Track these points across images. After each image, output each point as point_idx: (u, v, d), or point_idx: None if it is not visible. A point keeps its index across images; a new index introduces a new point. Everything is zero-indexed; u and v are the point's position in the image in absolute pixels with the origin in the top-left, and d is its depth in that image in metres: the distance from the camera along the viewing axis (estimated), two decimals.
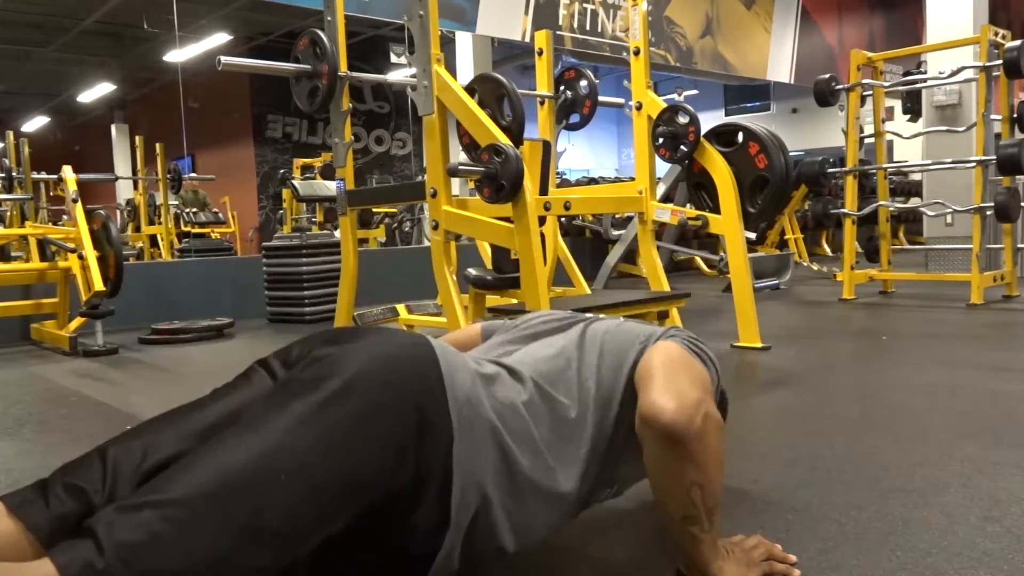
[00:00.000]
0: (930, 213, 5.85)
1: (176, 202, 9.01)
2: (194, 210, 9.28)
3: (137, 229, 9.10)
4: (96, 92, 12.98)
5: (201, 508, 0.89)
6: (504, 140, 2.68)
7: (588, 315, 1.48)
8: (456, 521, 1.07)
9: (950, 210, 5.41)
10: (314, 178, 8.58)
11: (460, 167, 2.66)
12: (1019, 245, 5.45)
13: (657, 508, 1.21)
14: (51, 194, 8.94)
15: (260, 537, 0.91)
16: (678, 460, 1.11)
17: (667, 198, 6.03)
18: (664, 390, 1.12)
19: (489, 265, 3.60)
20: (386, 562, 1.07)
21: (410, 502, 1.05)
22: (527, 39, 7.52)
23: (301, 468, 0.95)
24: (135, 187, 9.47)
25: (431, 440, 1.05)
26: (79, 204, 4.46)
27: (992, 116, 5.16)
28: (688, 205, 4.27)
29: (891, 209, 5.94)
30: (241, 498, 0.91)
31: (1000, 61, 4.93)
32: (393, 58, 10.81)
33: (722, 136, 3.69)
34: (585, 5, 8.21)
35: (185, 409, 1.11)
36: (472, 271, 3.31)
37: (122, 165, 12.43)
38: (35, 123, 14.35)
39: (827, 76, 5.54)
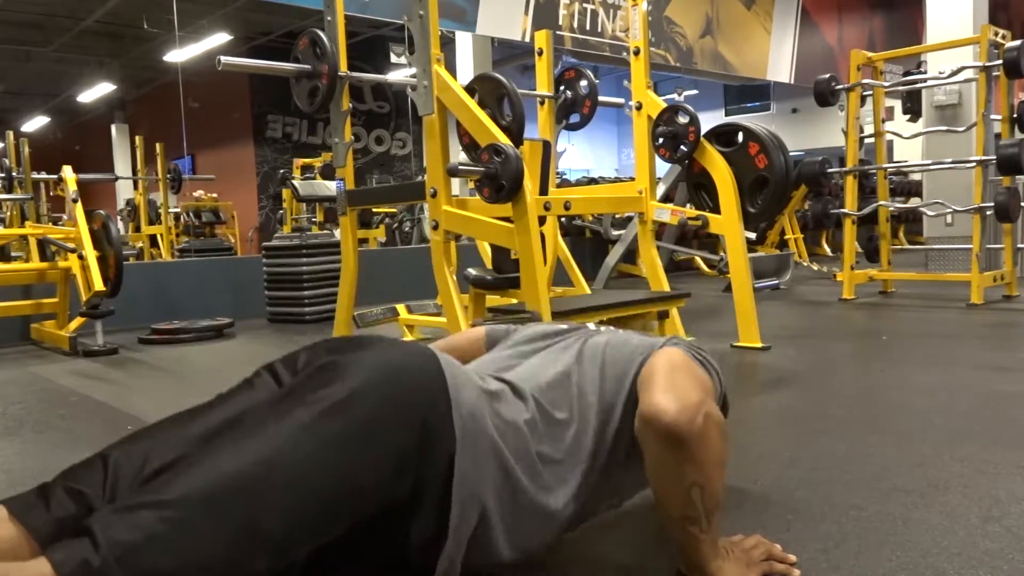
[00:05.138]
0: (930, 213, 5.85)
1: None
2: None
3: (137, 229, 9.10)
4: (96, 92, 13.00)
5: (198, 510, 0.89)
6: (504, 140, 2.67)
7: (589, 327, 1.47)
8: (456, 535, 1.07)
9: (950, 210, 5.41)
10: (314, 178, 8.58)
11: (460, 167, 2.66)
12: (1019, 245, 5.44)
13: (657, 508, 1.21)
14: (51, 194, 8.95)
15: (256, 541, 0.91)
16: (679, 460, 1.11)
17: (667, 198, 6.02)
18: (666, 391, 1.12)
19: (489, 265, 3.60)
20: (383, 572, 1.07)
21: (408, 512, 1.05)
22: (527, 39, 7.52)
23: (300, 475, 0.95)
24: (135, 187, 9.48)
25: (433, 452, 1.05)
26: (79, 204, 4.46)
27: (992, 116, 5.15)
28: (688, 205, 4.27)
29: (891, 209, 5.93)
30: (238, 502, 0.91)
31: (1000, 61, 4.93)
32: (393, 58, 10.82)
33: (722, 136, 3.69)
34: (585, 5, 8.21)
35: (189, 413, 1.11)
36: (472, 271, 3.31)
37: (122, 165, 12.45)
38: (35, 123, 14.37)
39: (827, 76, 5.53)
